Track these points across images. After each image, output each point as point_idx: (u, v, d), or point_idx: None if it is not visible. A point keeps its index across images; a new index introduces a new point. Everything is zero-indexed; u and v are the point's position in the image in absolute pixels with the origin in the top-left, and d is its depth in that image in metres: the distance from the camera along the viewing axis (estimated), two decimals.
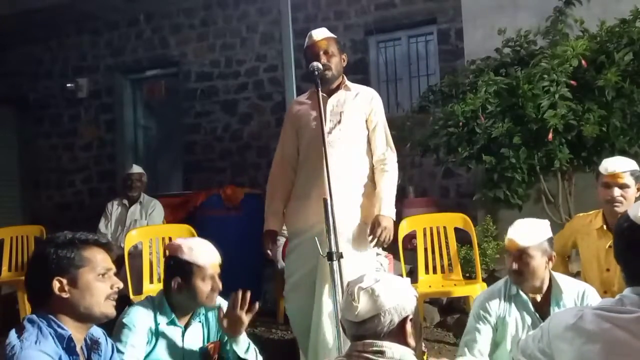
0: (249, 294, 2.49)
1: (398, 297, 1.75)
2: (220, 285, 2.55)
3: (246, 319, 2.48)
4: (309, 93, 3.23)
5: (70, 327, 1.90)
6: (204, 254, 2.53)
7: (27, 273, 1.98)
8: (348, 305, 1.77)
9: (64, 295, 1.90)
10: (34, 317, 1.89)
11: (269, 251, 3.17)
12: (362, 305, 1.74)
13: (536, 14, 5.29)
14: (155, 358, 2.51)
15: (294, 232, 3.17)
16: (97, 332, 2.08)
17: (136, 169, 5.68)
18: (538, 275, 2.62)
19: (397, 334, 1.73)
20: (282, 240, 4.19)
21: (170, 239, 4.29)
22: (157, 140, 8.83)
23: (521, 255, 2.60)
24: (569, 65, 4.26)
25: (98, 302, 1.93)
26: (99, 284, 1.94)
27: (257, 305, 2.55)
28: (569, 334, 1.61)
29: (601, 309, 1.61)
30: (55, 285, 1.89)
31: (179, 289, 2.50)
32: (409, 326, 1.74)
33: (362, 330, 1.75)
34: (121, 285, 2.01)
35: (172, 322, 2.55)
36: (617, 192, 2.98)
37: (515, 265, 2.60)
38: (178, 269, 2.50)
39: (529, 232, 2.62)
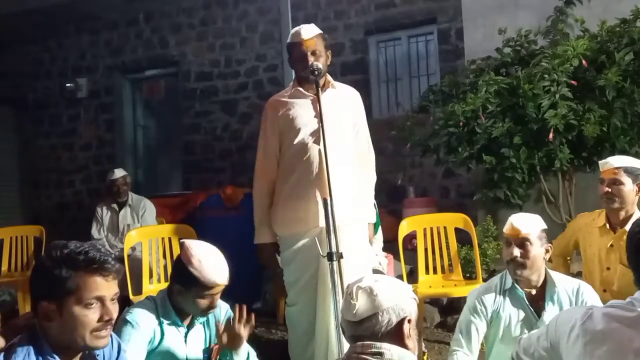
0: (245, 308, 2.48)
1: (396, 297, 1.75)
2: (216, 305, 2.51)
3: (245, 333, 2.48)
4: (290, 91, 3.11)
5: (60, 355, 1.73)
6: (212, 273, 2.43)
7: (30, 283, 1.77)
8: (347, 305, 1.77)
9: (46, 322, 1.70)
10: (27, 341, 1.72)
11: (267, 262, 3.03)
12: (361, 303, 1.74)
13: (537, 13, 5.29)
14: (158, 358, 2.50)
15: (291, 237, 3.05)
16: None
17: (118, 173, 5.50)
18: (537, 265, 2.62)
19: (395, 335, 1.72)
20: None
21: (170, 239, 4.29)
22: (156, 140, 8.82)
23: (523, 242, 2.60)
24: (570, 65, 4.25)
25: (82, 336, 1.71)
26: (84, 315, 1.70)
27: (253, 318, 2.51)
28: (576, 333, 1.61)
29: (610, 308, 1.61)
30: (40, 309, 1.69)
31: (178, 294, 2.51)
32: (406, 328, 1.73)
33: (361, 330, 1.74)
34: (114, 315, 1.76)
35: (174, 323, 2.54)
36: (607, 187, 3.00)
37: (516, 252, 2.59)
38: (182, 277, 2.47)
39: (528, 221, 2.64)
